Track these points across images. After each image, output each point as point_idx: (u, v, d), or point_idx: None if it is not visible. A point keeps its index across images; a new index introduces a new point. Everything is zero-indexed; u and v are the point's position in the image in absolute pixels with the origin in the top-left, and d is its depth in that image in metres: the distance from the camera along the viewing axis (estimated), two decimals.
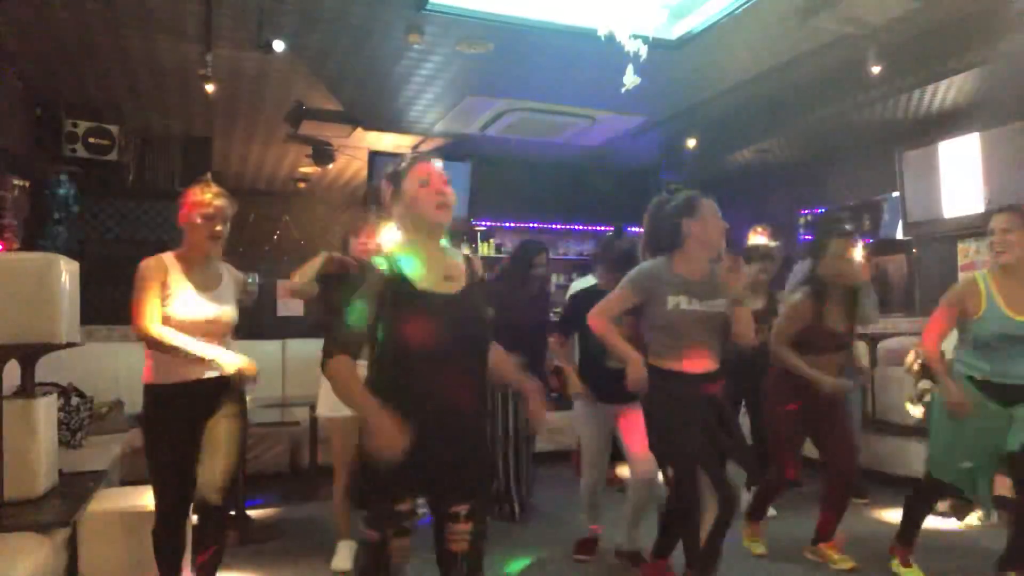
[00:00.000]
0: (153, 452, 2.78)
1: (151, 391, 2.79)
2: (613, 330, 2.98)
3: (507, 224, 8.33)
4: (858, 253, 3.55)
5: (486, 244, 8.20)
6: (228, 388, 2.83)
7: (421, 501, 2.06)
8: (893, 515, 4.13)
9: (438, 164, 2.10)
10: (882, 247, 6.49)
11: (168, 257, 2.82)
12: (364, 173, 7.42)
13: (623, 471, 4.69)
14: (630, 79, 3.76)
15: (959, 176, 5.79)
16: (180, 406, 2.76)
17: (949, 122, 5.78)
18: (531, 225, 8.32)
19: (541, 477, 5.26)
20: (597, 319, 3.00)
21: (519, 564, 3.76)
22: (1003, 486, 4.16)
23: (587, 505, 3.84)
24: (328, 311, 3.54)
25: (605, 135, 7.05)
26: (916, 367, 4.41)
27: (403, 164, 2.10)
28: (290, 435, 5.63)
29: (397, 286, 1.96)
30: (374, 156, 7.06)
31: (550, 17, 4.52)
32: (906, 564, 3.43)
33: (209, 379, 2.78)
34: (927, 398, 4.32)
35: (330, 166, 7.45)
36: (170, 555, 2.79)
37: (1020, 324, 3.08)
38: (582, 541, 3.86)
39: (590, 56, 4.84)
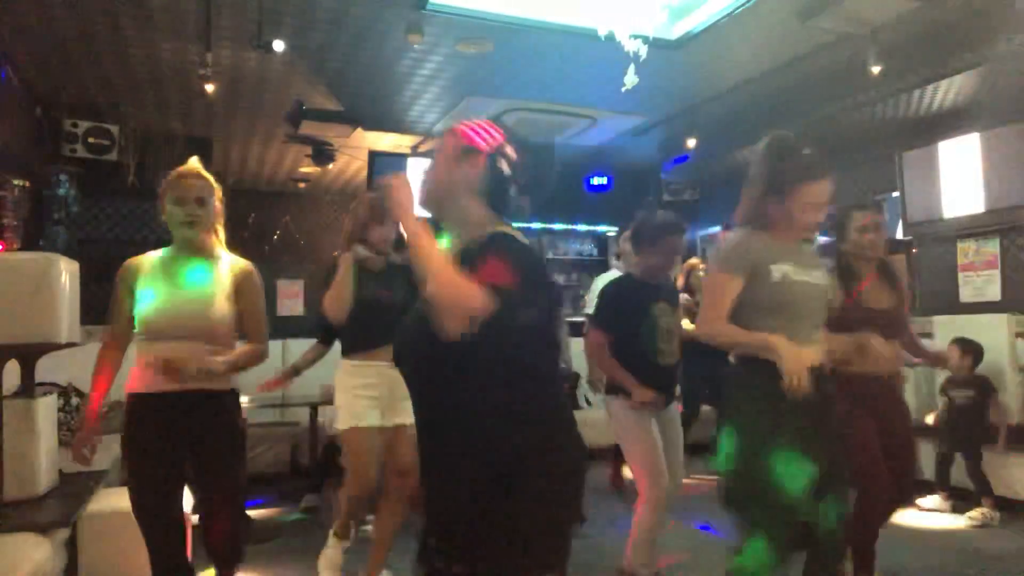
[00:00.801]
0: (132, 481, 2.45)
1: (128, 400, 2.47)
2: (739, 329, 2.22)
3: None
4: (878, 225, 3.20)
5: None
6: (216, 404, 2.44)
7: None
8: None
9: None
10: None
11: (150, 256, 2.53)
12: (364, 173, 7.43)
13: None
14: (631, 79, 3.75)
15: (959, 176, 5.79)
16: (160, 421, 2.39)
17: (949, 122, 5.78)
18: (531, 225, 8.32)
19: None
20: (712, 327, 2.25)
21: None
22: (1002, 486, 4.17)
23: (645, 544, 3.00)
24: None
25: (605, 135, 7.05)
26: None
27: None
28: (290, 435, 5.63)
29: None
30: (374, 156, 7.06)
31: (550, 17, 4.52)
32: None
33: (191, 392, 2.37)
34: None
35: (330, 166, 7.45)
36: None
37: None
38: None
39: (590, 56, 4.85)
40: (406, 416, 2.77)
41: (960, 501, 4.41)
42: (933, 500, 4.50)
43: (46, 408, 3.19)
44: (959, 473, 4.44)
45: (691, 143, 6.75)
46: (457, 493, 1.51)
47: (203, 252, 2.52)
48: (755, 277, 2.25)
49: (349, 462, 3.22)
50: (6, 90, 5.26)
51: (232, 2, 4.30)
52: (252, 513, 4.53)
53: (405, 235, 1.53)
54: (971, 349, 4.47)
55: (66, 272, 3.11)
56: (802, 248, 2.40)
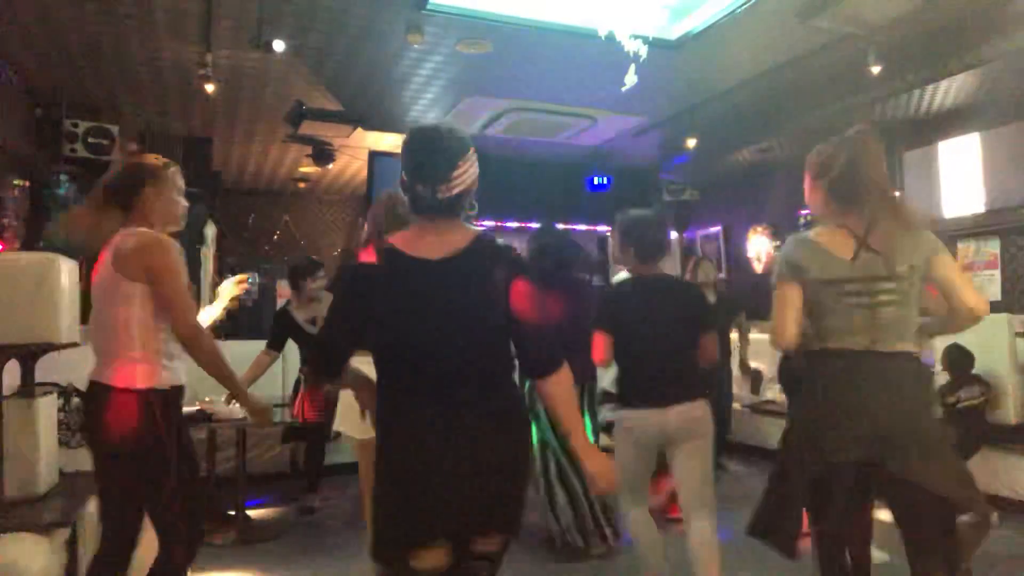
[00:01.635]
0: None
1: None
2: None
3: (508, 224, 8.33)
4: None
5: None
6: None
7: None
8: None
9: None
10: None
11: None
12: (364, 173, 7.43)
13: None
14: (630, 79, 3.75)
15: (959, 176, 5.79)
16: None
17: (949, 122, 5.78)
18: (531, 225, 8.32)
19: None
20: (787, 334, 2.18)
21: None
22: (1002, 486, 4.17)
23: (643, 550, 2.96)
24: None
25: (605, 135, 7.05)
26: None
27: None
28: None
29: None
30: (374, 156, 7.05)
31: (550, 17, 4.52)
32: None
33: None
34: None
35: (330, 166, 7.45)
36: None
37: None
38: None
39: (590, 56, 4.84)
40: None
41: None
42: None
43: (46, 408, 3.20)
44: None
45: (691, 143, 6.75)
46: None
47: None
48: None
49: (362, 475, 3.20)
50: (6, 90, 5.26)
51: (232, 2, 4.30)
52: (252, 513, 4.54)
53: None
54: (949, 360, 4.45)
55: (66, 272, 3.11)
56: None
